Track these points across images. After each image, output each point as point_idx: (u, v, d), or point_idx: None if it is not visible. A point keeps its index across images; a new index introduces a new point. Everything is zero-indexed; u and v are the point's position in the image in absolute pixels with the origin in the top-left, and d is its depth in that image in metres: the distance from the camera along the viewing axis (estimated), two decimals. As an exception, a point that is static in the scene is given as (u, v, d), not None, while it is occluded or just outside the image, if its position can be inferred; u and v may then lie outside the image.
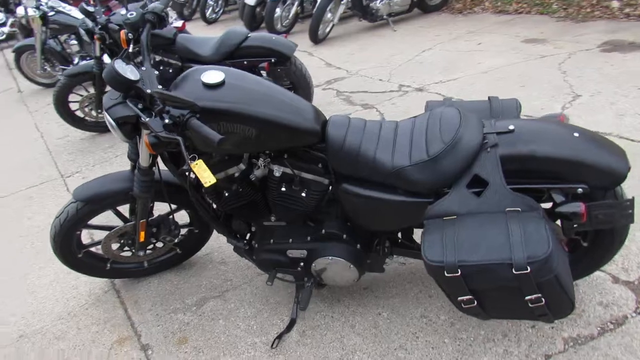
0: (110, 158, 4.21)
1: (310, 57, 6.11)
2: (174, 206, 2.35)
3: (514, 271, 1.43)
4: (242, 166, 1.94)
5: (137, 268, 2.57)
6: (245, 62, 3.80)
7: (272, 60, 3.73)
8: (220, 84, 1.75)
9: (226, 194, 1.98)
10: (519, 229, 1.49)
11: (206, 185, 1.57)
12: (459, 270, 1.48)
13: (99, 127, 4.71)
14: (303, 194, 1.93)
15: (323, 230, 1.97)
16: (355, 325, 2.12)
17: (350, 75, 5.21)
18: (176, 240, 2.49)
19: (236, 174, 1.94)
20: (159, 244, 2.47)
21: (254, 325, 2.21)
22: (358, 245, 1.97)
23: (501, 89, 4.20)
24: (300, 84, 3.90)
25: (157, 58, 4.02)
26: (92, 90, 4.44)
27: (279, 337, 2.09)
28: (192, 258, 2.71)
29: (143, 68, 1.85)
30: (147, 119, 1.65)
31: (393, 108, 4.20)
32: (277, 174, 1.91)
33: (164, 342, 2.21)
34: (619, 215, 1.61)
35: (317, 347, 2.04)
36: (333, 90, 4.85)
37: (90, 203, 2.15)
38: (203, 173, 1.58)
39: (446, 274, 1.50)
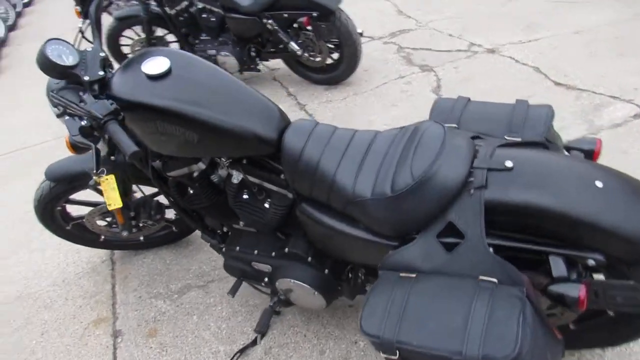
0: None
1: (382, 1, 5.52)
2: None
3: (462, 370, 1.08)
4: (201, 165, 1.70)
5: (132, 241, 2.48)
6: (285, 15, 3.45)
7: (314, 14, 3.34)
8: (165, 74, 1.49)
9: (190, 192, 1.77)
10: (485, 310, 1.12)
11: (109, 208, 1.36)
12: (397, 352, 1.16)
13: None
14: (266, 205, 1.66)
15: (286, 249, 1.70)
16: (326, 351, 1.88)
17: (419, 27, 4.63)
18: (166, 222, 2.35)
19: (195, 174, 1.71)
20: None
21: (224, 330, 2.05)
22: (326, 271, 1.69)
23: (590, 56, 3.48)
24: (346, 42, 3.48)
25: (200, 5, 3.79)
26: (143, 35, 4.32)
27: (242, 351, 1.91)
28: (192, 236, 2.57)
29: (89, 49, 1.62)
30: (66, 118, 1.43)
31: (453, 73, 3.66)
32: (235, 180, 1.65)
33: (136, 331, 2.13)
34: (645, 302, 1.18)
35: (278, 370, 1.85)
36: (394, 46, 4.34)
37: (60, 183, 2.03)
38: (110, 192, 1.37)
39: (382, 354, 1.19)
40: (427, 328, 1.15)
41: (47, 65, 1.50)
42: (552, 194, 1.18)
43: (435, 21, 4.65)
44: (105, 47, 4.33)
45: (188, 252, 2.50)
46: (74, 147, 1.51)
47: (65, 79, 1.57)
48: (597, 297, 1.20)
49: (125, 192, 2.10)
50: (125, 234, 2.20)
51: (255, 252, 1.78)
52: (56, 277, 2.50)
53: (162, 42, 4.34)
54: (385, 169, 1.37)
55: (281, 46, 3.67)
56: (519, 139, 1.47)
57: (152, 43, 4.32)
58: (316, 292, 1.69)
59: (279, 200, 1.63)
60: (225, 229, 1.95)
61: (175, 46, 4.33)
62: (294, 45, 3.55)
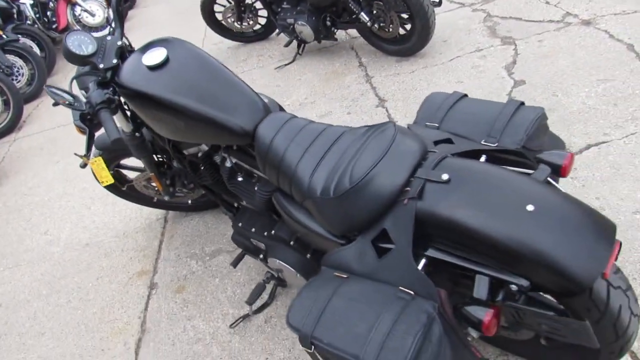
0: (237, 74, 4.35)
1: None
2: None
3: (359, 373, 1.12)
4: (204, 147, 1.83)
5: (181, 204, 2.74)
6: (355, -15, 3.39)
7: (382, -17, 3.25)
8: (162, 64, 1.62)
9: (202, 168, 1.92)
10: (390, 322, 1.13)
11: (102, 185, 1.53)
12: (313, 347, 1.22)
13: (244, 38, 4.85)
14: (256, 188, 1.75)
15: (272, 231, 1.79)
16: (316, 328, 1.96)
17: (517, -8, 4.24)
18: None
19: (199, 154, 1.85)
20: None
21: (238, 295, 2.22)
22: (308, 255, 1.75)
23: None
24: (417, 14, 3.34)
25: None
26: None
27: (244, 317, 2.07)
28: (235, 203, 2.76)
29: (109, 38, 1.79)
30: (71, 105, 1.62)
31: (535, 47, 3.35)
32: (227, 164, 1.76)
33: (168, 285, 2.39)
34: (570, 335, 1.09)
35: (270, 340, 1.98)
36: (483, 14, 4.04)
37: (105, 151, 2.30)
38: (100, 172, 1.54)
39: (301, 346, 1.25)
40: (337, 329, 1.18)
41: (68, 54, 1.70)
42: (477, 213, 1.12)
43: (535, -14, 4.22)
44: (200, 14, 4.62)
45: (227, 218, 2.70)
46: (80, 129, 1.71)
47: (86, 66, 1.77)
48: (520, 321, 1.14)
49: (162, 162, 2.33)
50: (167, 198, 2.45)
51: (253, 229, 1.89)
52: (119, 230, 2.86)
53: (250, 9, 4.52)
54: (337, 169, 1.38)
55: (354, 16, 3.64)
56: (494, 145, 1.39)
57: (242, 10, 4.52)
58: (298, 275, 1.76)
59: (264, 185, 1.71)
60: (237, 205, 2.09)
61: (263, 13, 4.49)
62: (364, 16, 3.50)
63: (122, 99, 1.81)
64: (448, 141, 1.42)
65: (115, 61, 1.73)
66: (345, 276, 1.29)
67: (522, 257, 1.07)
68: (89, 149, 1.63)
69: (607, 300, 1.14)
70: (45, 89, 1.56)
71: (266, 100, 1.85)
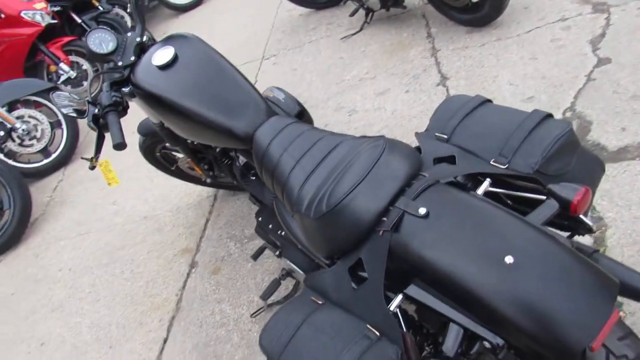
0: (304, 44, 4.28)
1: None
2: None
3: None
4: (221, 144, 1.81)
5: (228, 183, 2.78)
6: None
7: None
8: (170, 63, 1.61)
9: (224, 161, 1.93)
10: (350, 363, 1.05)
11: (110, 186, 1.57)
12: (278, 372, 1.19)
13: (316, 4, 4.73)
14: (265, 189, 1.72)
15: (282, 231, 1.75)
16: (332, 328, 1.93)
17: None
18: None
19: (217, 149, 1.85)
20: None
21: (266, 283, 2.24)
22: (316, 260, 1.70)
23: None
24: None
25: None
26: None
27: (268, 306, 2.09)
28: (279, 185, 2.76)
29: (129, 34, 1.79)
30: (75, 111, 1.65)
31: (633, 17, 2.87)
32: (238, 162, 1.73)
33: (206, 265, 2.48)
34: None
35: (287, 334, 1.98)
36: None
37: (147, 137, 2.36)
38: (107, 174, 1.57)
39: (268, 369, 1.22)
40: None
41: (89, 53, 1.74)
42: (448, 256, 0.99)
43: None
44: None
45: (270, 201, 2.71)
46: (92, 129, 1.76)
47: (108, 63, 1.80)
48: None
49: (196, 149, 2.36)
50: (208, 180, 2.50)
51: (270, 226, 1.87)
52: (174, 205, 2.99)
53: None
54: (323, 185, 1.29)
55: (421, -17, 3.38)
56: (502, 167, 1.21)
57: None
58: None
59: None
60: (263, 196, 2.07)
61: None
62: (430, -17, 3.23)
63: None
64: (450, 159, 1.27)
65: (133, 58, 1.74)
66: (320, 302, 1.22)
67: (492, 313, 0.94)
68: (97, 150, 1.68)
69: None
70: (50, 96, 1.61)
71: (282, 97, 1.79)
